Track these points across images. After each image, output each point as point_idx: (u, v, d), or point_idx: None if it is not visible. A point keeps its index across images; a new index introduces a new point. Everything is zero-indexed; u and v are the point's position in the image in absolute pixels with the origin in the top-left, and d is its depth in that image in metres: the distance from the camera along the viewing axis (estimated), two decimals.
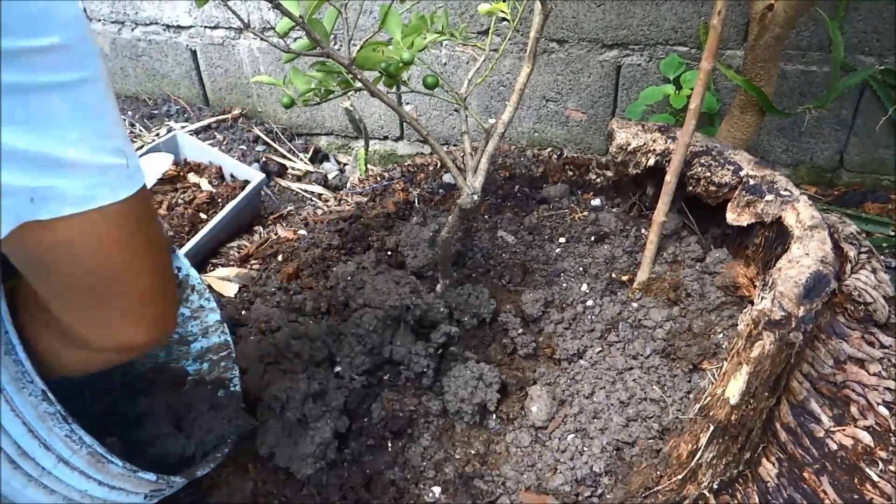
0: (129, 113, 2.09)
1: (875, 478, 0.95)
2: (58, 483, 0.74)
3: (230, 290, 1.35)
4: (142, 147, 1.74)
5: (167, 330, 0.74)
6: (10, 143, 0.52)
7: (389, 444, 1.05)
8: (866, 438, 0.98)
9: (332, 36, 1.12)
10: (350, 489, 1.01)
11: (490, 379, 1.07)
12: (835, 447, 0.98)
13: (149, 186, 1.62)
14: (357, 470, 1.03)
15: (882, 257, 1.19)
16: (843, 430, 0.99)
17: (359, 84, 0.97)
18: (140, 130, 2.04)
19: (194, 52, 2.04)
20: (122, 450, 0.87)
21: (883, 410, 0.99)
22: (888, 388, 1.00)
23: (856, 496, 0.94)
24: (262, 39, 1.09)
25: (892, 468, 0.95)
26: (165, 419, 0.99)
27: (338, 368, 1.10)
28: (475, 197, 0.97)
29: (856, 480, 0.96)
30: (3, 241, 0.57)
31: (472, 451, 1.05)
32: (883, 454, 0.96)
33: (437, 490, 1.01)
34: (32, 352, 0.73)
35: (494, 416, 1.08)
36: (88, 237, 0.61)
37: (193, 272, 1.11)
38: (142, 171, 0.64)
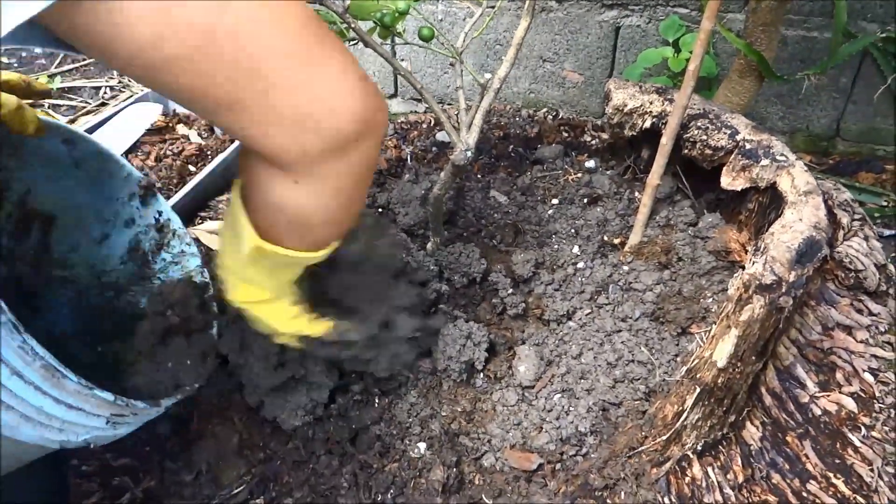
0: None
1: (857, 443, 0.96)
2: (13, 398, 0.71)
3: (218, 243, 1.33)
4: (130, 97, 1.70)
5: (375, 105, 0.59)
6: None
7: (376, 400, 1.06)
8: (850, 404, 0.98)
9: None
10: (336, 443, 1.02)
11: (478, 338, 1.07)
12: (819, 412, 0.99)
13: (136, 137, 1.60)
14: (343, 425, 1.03)
15: (875, 227, 1.18)
16: (828, 395, 1.00)
17: (352, 34, 0.95)
18: (129, 81, 2.00)
19: None
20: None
21: (868, 377, 0.99)
22: (874, 356, 1.01)
23: (837, 461, 0.95)
24: None
25: (874, 434, 0.96)
26: (149, 363, 0.98)
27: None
28: (468, 153, 0.96)
29: (838, 445, 0.97)
30: (54, 23, 0.48)
31: (459, 409, 1.05)
32: (866, 420, 0.97)
33: (422, 446, 1.01)
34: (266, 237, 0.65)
35: (482, 374, 1.08)
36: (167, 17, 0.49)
37: (175, 217, 1.09)
38: None
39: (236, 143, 1.59)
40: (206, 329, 1.06)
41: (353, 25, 0.91)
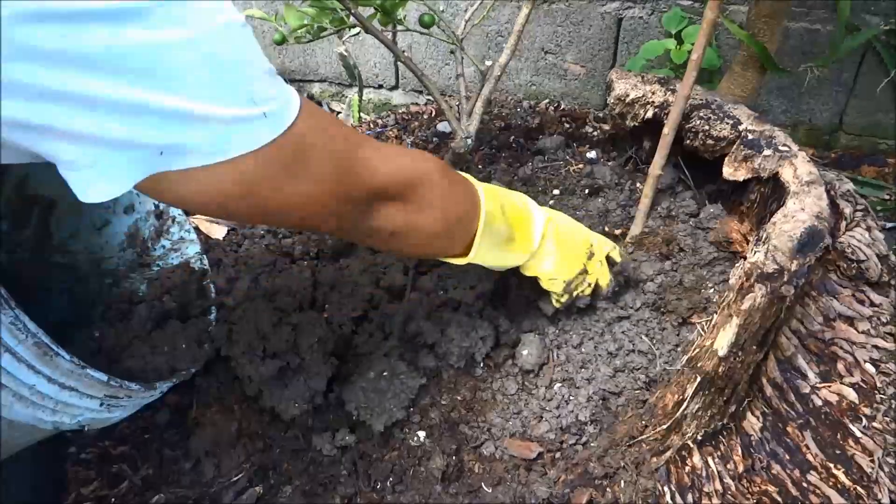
0: None
1: (858, 434, 0.96)
2: (5, 375, 0.71)
3: (218, 232, 1.33)
4: None
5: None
6: (137, 98, 0.52)
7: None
8: (851, 395, 0.98)
9: None
10: (335, 431, 1.01)
11: (484, 330, 1.07)
12: (820, 403, 0.98)
13: None
14: (342, 413, 1.03)
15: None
16: (829, 386, 0.99)
17: (353, 21, 0.95)
18: None
19: None
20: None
21: (869, 368, 0.99)
22: (876, 346, 1.00)
23: (838, 451, 0.95)
24: None
25: (875, 425, 0.96)
26: (146, 346, 0.98)
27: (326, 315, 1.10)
28: (469, 141, 0.96)
29: (839, 436, 0.96)
30: (145, 190, 0.59)
31: (459, 398, 1.05)
32: (867, 411, 0.97)
33: (421, 434, 1.01)
34: None
35: (482, 363, 1.08)
36: (225, 186, 0.61)
37: None
38: (290, 107, 0.63)
39: None
40: (203, 314, 1.06)
41: (353, 11, 0.90)
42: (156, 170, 0.57)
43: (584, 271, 1.04)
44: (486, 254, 0.92)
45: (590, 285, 1.05)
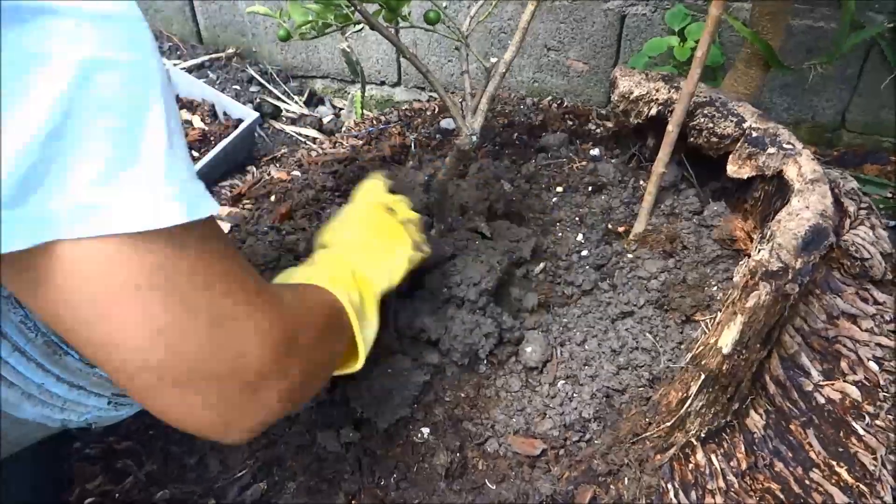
0: None
1: (861, 432, 0.96)
2: (15, 374, 0.71)
3: (222, 228, 1.33)
4: None
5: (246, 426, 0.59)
6: None
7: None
8: (854, 393, 0.98)
9: None
10: (340, 428, 1.01)
11: (487, 328, 1.07)
12: (823, 401, 0.99)
13: None
14: (347, 410, 1.03)
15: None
16: (832, 384, 1.00)
17: (357, 17, 0.94)
18: None
19: None
20: None
21: (873, 366, 0.99)
22: (879, 345, 1.01)
23: (841, 449, 0.95)
24: None
25: (878, 423, 0.96)
26: None
27: None
28: (473, 138, 0.95)
29: (842, 434, 0.97)
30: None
31: (463, 395, 1.05)
32: (870, 409, 0.97)
33: (425, 431, 1.01)
34: None
35: (485, 360, 1.08)
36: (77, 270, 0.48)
37: None
38: (208, 201, 0.53)
39: (239, 128, 1.58)
40: None
41: (358, 7, 0.90)
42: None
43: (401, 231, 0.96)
44: (369, 337, 0.82)
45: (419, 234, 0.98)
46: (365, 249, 0.92)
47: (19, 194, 0.45)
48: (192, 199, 0.51)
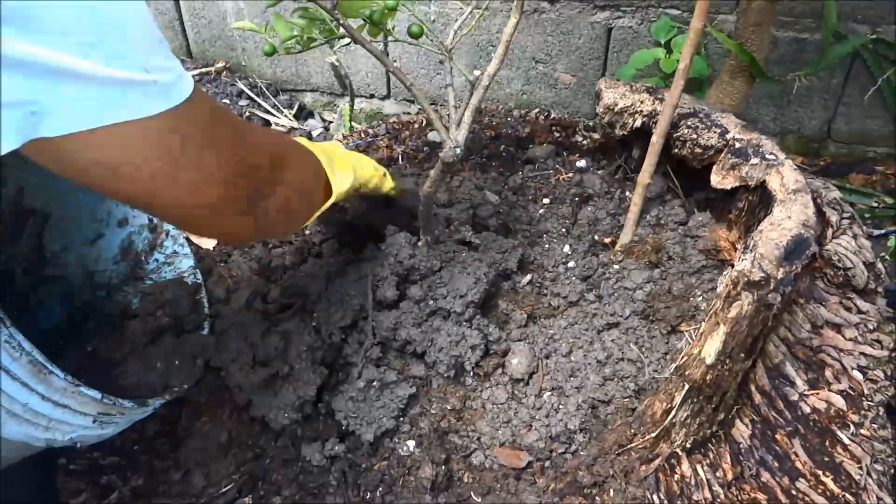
0: None
1: (846, 441, 0.96)
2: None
3: (208, 242, 1.33)
4: None
5: (244, 239, 0.78)
6: (6, 47, 0.46)
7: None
8: (839, 402, 0.98)
9: None
10: (325, 441, 1.01)
11: (473, 339, 1.07)
12: (808, 410, 0.99)
13: None
14: (332, 423, 1.03)
15: (865, 226, 1.18)
16: (817, 393, 1.00)
17: (342, 32, 0.95)
18: None
19: (177, 2, 2.00)
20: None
21: (857, 375, 0.99)
22: (863, 353, 1.01)
23: (827, 459, 0.95)
24: None
25: (863, 432, 0.96)
26: (139, 362, 0.98)
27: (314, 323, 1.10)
28: (458, 150, 0.96)
29: (827, 443, 0.97)
30: (31, 157, 0.55)
31: (448, 407, 1.05)
32: (855, 418, 0.97)
33: (411, 444, 1.01)
34: None
35: (471, 372, 1.08)
36: (110, 155, 0.57)
37: None
38: (185, 84, 0.60)
39: None
40: (196, 329, 1.06)
41: (342, 22, 0.91)
42: (33, 134, 0.52)
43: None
44: (341, 182, 0.96)
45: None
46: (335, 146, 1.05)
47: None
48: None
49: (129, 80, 0.54)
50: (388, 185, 1.12)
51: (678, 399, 0.93)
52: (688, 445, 0.96)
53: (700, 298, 1.10)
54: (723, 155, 1.12)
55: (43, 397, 0.74)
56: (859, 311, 1.04)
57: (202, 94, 0.64)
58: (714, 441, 0.98)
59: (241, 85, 2.01)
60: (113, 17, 0.53)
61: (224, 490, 1.00)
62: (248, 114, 1.92)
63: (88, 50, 0.51)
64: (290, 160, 0.83)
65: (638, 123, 1.22)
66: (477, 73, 0.97)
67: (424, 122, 1.55)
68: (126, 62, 0.54)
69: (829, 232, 1.08)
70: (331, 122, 2.06)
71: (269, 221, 0.78)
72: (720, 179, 1.11)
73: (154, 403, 0.92)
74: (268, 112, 1.99)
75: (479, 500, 0.96)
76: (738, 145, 1.10)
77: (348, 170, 0.99)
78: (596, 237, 1.26)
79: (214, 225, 0.72)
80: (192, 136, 0.62)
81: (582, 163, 1.42)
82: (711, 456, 0.97)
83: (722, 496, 0.93)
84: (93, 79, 0.52)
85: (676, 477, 0.95)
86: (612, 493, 0.94)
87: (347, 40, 0.96)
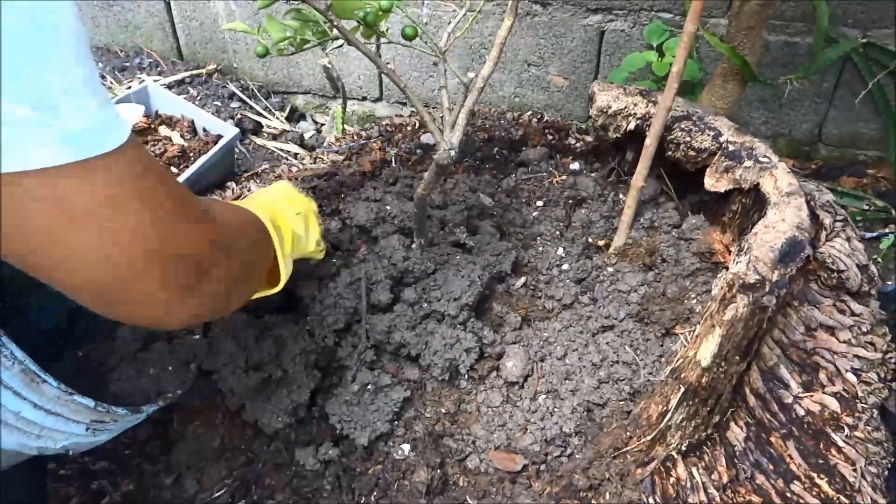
0: (100, 65, 2.03)
1: (840, 443, 0.96)
2: None
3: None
4: (112, 98, 1.69)
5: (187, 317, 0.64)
6: None
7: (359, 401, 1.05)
8: (833, 404, 0.98)
9: None
10: (318, 445, 1.00)
11: (467, 343, 1.06)
12: (802, 413, 0.99)
13: None
14: (325, 426, 1.02)
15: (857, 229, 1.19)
16: (811, 396, 1.00)
17: (335, 34, 0.94)
18: (111, 83, 1.98)
19: (168, 3, 1.98)
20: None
21: (851, 377, 1.00)
22: (857, 356, 1.01)
23: (821, 461, 0.95)
24: None
25: (857, 434, 0.96)
26: (132, 368, 0.97)
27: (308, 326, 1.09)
28: (452, 153, 0.95)
29: (821, 446, 0.97)
30: None
31: (443, 410, 1.04)
32: (849, 420, 0.97)
33: (406, 447, 1.00)
34: None
35: (466, 375, 1.08)
36: (17, 206, 0.49)
37: None
38: (115, 132, 0.53)
39: (219, 144, 1.57)
40: (189, 333, 1.05)
41: (336, 24, 0.90)
42: None
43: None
44: (289, 268, 0.90)
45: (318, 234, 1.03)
46: (285, 201, 0.98)
47: None
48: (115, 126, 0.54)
49: (24, 119, 0.47)
50: (321, 255, 1.05)
51: (674, 402, 0.93)
52: (683, 448, 0.96)
53: (694, 301, 1.10)
54: (716, 158, 1.12)
55: (35, 406, 0.73)
56: (853, 314, 1.04)
57: (138, 148, 0.56)
58: (709, 444, 0.98)
59: (232, 87, 2.00)
60: (19, 36, 0.46)
61: (216, 495, 0.99)
62: (239, 116, 1.91)
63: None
64: (241, 240, 0.76)
65: (631, 126, 1.22)
66: (471, 75, 0.96)
67: (417, 125, 1.55)
68: (23, 95, 0.47)
69: (823, 234, 1.08)
70: (323, 125, 2.05)
71: (210, 304, 0.68)
72: (714, 182, 1.11)
73: (147, 410, 0.91)
74: (259, 114, 1.98)
75: (475, 503, 0.96)
76: (731, 148, 1.11)
77: (289, 248, 0.92)
78: (590, 240, 1.25)
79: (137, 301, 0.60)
80: (109, 197, 0.53)
81: (575, 165, 1.42)
82: (707, 458, 0.97)
83: (717, 499, 0.93)
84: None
85: (672, 480, 0.95)
86: (607, 496, 0.93)
87: (340, 42, 0.95)
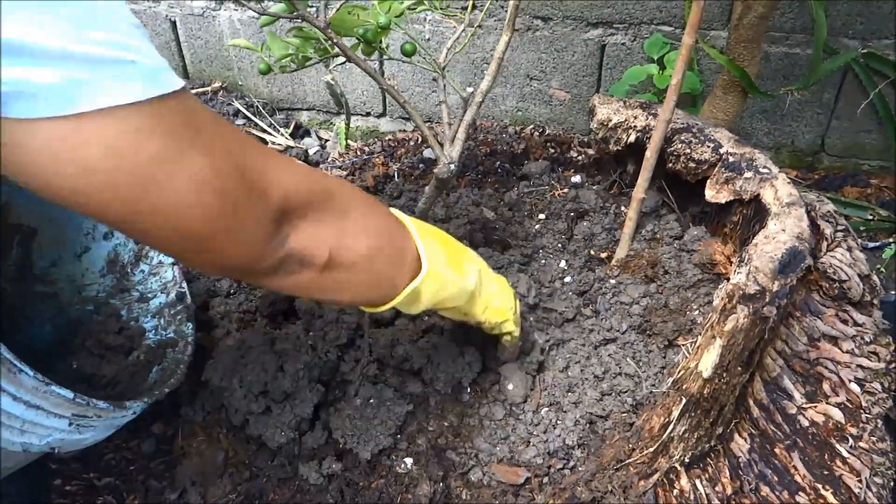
0: None
1: (845, 454, 0.96)
2: None
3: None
4: None
5: (239, 265, 0.62)
6: None
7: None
8: (837, 415, 0.98)
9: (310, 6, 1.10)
10: (322, 459, 1.01)
11: (470, 356, 1.07)
12: (806, 424, 0.98)
13: None
14: (329, 441, 1.02)
15: (859, 239, 1.19)
16: (815, 406, 0.99)
17: (336, 50, 0.96)
18: None
19: (174, 23, 2.01)
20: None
21: (854, 387, 0.99)
22: (860, 366, 1.01)
23: (826, 472, 0.95)
24: (241, 4, 1.07)
25: (862, 444, 0.96)
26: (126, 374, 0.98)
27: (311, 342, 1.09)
28: (452, 167, 0.96)
29: (826, 457, 0.96)
30: (10, 173, 0.48)
31: (446, 424, 1.04)
32: (853, 430, 0.97)
33: (409, 461, 1.00)
34: None
35: (469, 389, 1.08)
36: (81, 152, 0.48)
37: None
38: (170, 72, 0.52)
39: None
40: (182, 337, 1.05)
41: (335, 40, 0.92)
42: None
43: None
44: (431, 286, 0.79)
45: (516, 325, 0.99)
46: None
47: None
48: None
49: (102, 59, 0.47)
50: (509, 328, 0.97)
51: (676, 413, 0.93)
52: (686, 460, 0.96)
53: (697, 312, 1.10)
54: (717, 169, 1.12)
55: (14, 397, 0.72)
56: (856, 324, 1.04)
57: (194, 96, 0.57)
58: (713, 455, 0.98)
59: (237, 104, 2.02)
60: None
61: None
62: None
63: (52, 23, 0.45)
64: (337, 208, 0.71)
65: (632, 139, 1.23)
66: (470, 90, 0.97)
67: (420, 140, 1.56)
68: (96, 39, 0.47)
69: (824, 245, 1.08)
70: (327, 141, 2.07)
71: (292, 273, 0.66)
72: (714, 193, 1.12)
73: (133, 406, 0.89)
74: (264, 131, 1.99)
75: None
76: (731, 159, 1.11)
77: (470, 272, 0.84)
78: (592, 252, 1.26)
79: (212, 249, 0.59)
80: (185, 133, 0.53)
81: (577, 178, 1.42)
82: (710, 470, 0.97)
83: None
84: (60, 57, 0.45)
85: (675, 492, 0.94)
86: None
87: (342, 59, 0.97)
